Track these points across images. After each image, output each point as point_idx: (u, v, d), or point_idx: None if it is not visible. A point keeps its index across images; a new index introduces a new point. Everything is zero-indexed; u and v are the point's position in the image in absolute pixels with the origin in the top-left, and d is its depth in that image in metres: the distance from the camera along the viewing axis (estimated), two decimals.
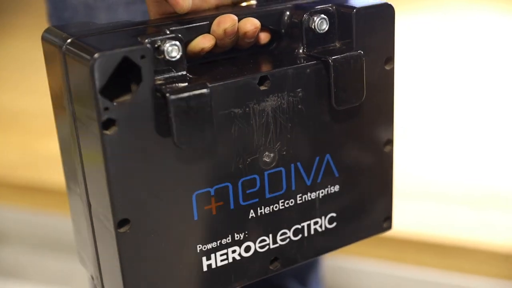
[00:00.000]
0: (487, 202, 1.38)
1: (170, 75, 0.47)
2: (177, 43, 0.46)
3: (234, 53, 0.53)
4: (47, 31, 0.51)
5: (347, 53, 0.51)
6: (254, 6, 0.55)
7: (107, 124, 0.44)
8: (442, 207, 1.38)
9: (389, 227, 0.60)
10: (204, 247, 0.51)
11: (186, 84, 0.46)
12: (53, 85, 0.51)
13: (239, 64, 0.52)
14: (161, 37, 0.46)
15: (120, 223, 0.47)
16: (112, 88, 0.44)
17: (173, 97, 0.45)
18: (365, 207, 0.58)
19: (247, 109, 0.49)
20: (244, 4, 0.56)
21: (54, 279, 1.53)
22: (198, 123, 0.46)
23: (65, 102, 0.49)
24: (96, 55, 0.43)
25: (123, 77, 0.44)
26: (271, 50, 0.55)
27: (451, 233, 1.30)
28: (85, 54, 0.44)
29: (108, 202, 0.46)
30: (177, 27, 0.50)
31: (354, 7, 0.52)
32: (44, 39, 0.51)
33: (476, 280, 1.27)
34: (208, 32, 0.51)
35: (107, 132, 0.44)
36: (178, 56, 0.47)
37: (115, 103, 0.44)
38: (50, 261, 1.55)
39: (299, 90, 0.51)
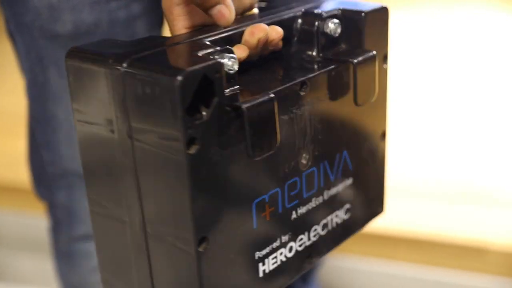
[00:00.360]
0: (476, 199, 1.40)
1: (226, 87, 0.47)
2: (235, 55, 0.47)
3: (253, 61, 0.54)
4: (73, 53, 0.48)
5: (366, 54, 0.55)
6: (256, 15, 0.57)
7: (189, 143, 0.44)
8: (429, 204, 1.40)
9: (381, 210, 0.66)
10: (261, 254, 0.52)
11: (254, 94, 0.47)
12: (88, 108, 0.48)
13: (267, 71, 0.54)
14: (219, 51, 0.46)
15: (199, 242, 0.46)
16: (189, 106, 0.43)
17: (247, 108, 0.45)
18: (368, 194, 0.63)
19: (291, 114, 0.51)
20: (248, 13, 0.57)
21: (33, 279, 1.48)
22: (267, 132, 0.47)
23: (115, 125, 0.47)
24: (179, 76, 0.42)
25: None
26: (283, 55, 0.57)
27: (439, 230, 1.31)
28: (163, 74, 0.43)
29: (188, 222, 0.45)
30: (215, 39, 0.50)
31: (362, 11, 0.56)
32: (74, 62, 0.47)
33: (461, 276, 1.29)
34: (239, 43, 0.52)
35: (190, 151, 0.44)
36: (236, 69, 0.47)
37: (197, 121, 0.43)
38: (28, 261, 1.49)
39: (326, 92, 0.54)
